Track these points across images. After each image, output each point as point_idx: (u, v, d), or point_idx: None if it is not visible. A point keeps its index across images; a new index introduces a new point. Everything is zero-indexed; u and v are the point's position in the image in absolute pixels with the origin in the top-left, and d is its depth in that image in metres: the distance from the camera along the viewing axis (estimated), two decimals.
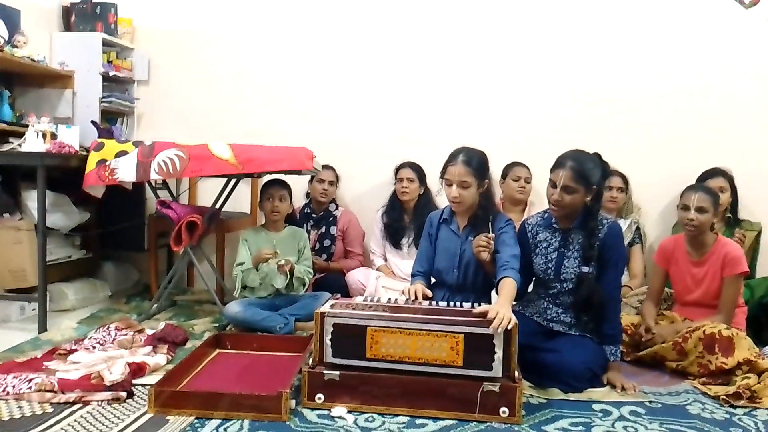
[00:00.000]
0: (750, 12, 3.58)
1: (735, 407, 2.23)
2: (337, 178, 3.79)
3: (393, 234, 3.64)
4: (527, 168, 3.60)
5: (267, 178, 3.30)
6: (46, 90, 3.65)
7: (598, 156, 2.47)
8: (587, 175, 2.37)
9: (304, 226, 3.70)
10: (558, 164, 2.43)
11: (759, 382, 2.32)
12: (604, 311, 2.43)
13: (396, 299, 2.47)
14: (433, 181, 2.75)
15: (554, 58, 3.80)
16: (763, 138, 3.63)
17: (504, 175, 3.65)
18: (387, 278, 3.52)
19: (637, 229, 3.50)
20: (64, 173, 3.29)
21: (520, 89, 3.84)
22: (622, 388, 2.35)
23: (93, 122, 3.56)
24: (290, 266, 3.04)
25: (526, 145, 3.73)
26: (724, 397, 2.27)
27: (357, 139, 3.96)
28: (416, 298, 2.42)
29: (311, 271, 3.23)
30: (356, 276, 3.50)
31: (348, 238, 3.78)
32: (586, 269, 2.44)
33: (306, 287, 3.25)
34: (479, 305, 2.25)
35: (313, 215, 3.76)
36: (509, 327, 2.04)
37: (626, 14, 3.74)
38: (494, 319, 2.04)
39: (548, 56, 3.81)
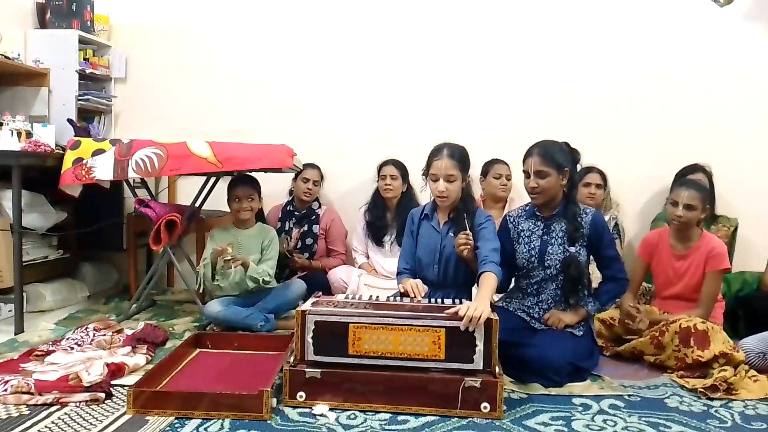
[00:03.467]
0: (726, 11, 3.64)
1: (712, 399, 2.26)
2: (322, 177, 3.78)
3: (375, 231, 3.64)
4: (507, 165, 3.62)
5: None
6: (20, 88, 3.59)
7: (566, 144, 2.57)
8: (554, 158, 2.47)
9: (287, 224, 3.69)
10: (527, 154, 2.55)
11: (735, 375, 2.36)
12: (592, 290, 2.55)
13: (378, 296, 2.47)
14: (416, 179, 2.76)
15: (534, 56, 3.83)
16: (740, 135, 3.70)
17: (485, 173, 3.66)
18: (369, 276, 3.52)
19: (616, 225, 3.54)
20: (40, 172, 3.24)
21: (501, 87, 3.86)
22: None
23: (69, 120, 3.52)
24: (242, 262, 2.96)
25: (506, 143, 3.75)
26: (702, 390, 2.30)
27: (339, 138, 3.96)
28: (416, 294, 2.40)
29: (271, 273, 3.10)
30: (338, 274, 3.50)
31: (330, 236, 3.77)
32: (573, 249, 2.49)
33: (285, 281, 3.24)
34: (460, 301, 2.26)
35: (296, 213, 3.75)
36: (480, 322, 2.05)
37: (605, 12, 3.78)
38: (465, 316, 2.05)
39: (528, 54, 3.84)
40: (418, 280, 2.50)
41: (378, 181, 3.65)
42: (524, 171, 2.54)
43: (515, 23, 3.84)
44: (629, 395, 2.29)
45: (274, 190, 3.76)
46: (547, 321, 2.53)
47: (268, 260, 3.13)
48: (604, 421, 2.06)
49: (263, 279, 3.04)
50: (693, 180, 3.02)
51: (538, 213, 2.60)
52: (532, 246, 2.58)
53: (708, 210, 2.85)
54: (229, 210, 3.90)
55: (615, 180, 3.67)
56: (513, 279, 2.74)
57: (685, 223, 2.74)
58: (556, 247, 2.53)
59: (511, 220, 2.68)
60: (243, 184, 3.12)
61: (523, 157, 2.56)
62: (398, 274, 2.71)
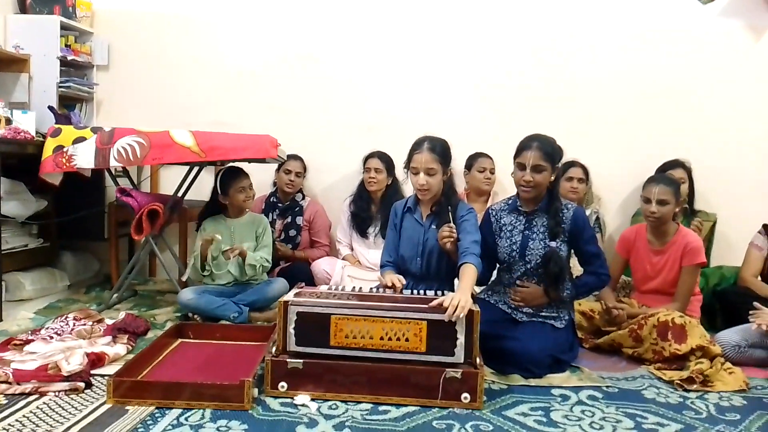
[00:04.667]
0: (704, 8, 3.69)
1: (688, 391, 2.30)
2: (305, 168, 3.76)
3: (360, 223, 3.63)
4: (491, 159, 3.63)
5: (219, 169, 3.27)
6: (0, 74, 3.53)
7: (553, 139, 2.59)
8: (553, 154, 2.49)
9: (270, 215, 3.67)
10: (524, 147, 2.52)
11: (711, 367, 2.40)
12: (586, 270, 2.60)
13: (361, 288, 2.48)
14: (401, 171, 2.77)
15: (518, 51, 3.85)
16: (719, 131, 3.76)
17: (468, 167, 3.67)
18: (353, 267, 3.52)
19: (597, 219, 3.58)
20: (19, 160, 3.19)
21: (485, 81, 3.88)
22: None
23: (50, 108, 3.47)
24: (239, 252, 2.99)
25: (490, 136, 3.77)
26: (678, 382, 2.34)
27: (324, 130, 3.94)
28: (394, 287, 2.43)
29: (268, 259, 3.16)
30: (322, 265, 3.50)
31: (314, 228, 3.76)
32: (553, 244, 2.50)
33: (268, 274, 3.24)
34: (443, 293, 2.28)
35: (279, 204, 3.74)
36: (462, 315, 2.06)
37: (588, 9, 3.80)
38: (449, 306, 2.07)
39: (512, 49, 3.86)
40: (399, 276, 2.51)
41: (363, 174, 3.64)
42: (519, 163, 2.52)
43: (499, 19, 3.85)
44: (607, 386, 2.32)
45: (258, 181, 3.72)
46: (518, 299, 2.56)
47: (264, 247, 3.16)
48: (582, 411, 2.09)
49: (262, 265, 3.09)
50: (663, 175, 3.05)
51: (520, 207, 2.62)
52: (514, 240, 2.59)
53: (681, 203, 2.89)
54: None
55: (596, 174, 3.70)
56: (494, 272, 2.75)
57: (659, 218, 2.78)
58: (537, 242, 2.55)
59: (494, 213, 2.69)
60: (244, 174, 3.12)
61: (517, 149, 2.54)
62: (381, 266, 2.72)
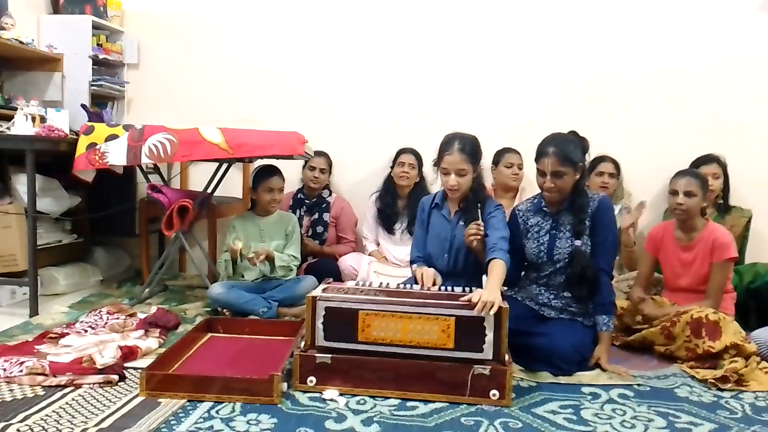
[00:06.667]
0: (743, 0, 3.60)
1: (722, 390, 2.26)
2: (330, 165, 3.77)
3: (386, 219, 3.63)
4: (519, 154, 3.60)
5: (258, 164, 3.30)
6: (34, 73, 3.61)
7: (574, 134, 2.54)
8: (571, 157, 2.43)
9: (297, 212, 3.69)
10: (541, 153, 2.48)
11: (746, 366, 2.35)
12: (596, 283, 2.46)
13: (387, 284, 2.48)
14: (428, 169, 2.75)
15: (546, 45, 3.80)
16: (754, 126, 3.66)
17: (496, 162, 3.64)
18: (379, 263, 3.52)
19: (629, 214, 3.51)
20: (53, 157, 3.27)
21: (512, 76, 3.83)
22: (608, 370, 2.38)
23: (83, 106, 3.53)
24: (264, 256, 3.01)
25: (518, 132, 3.73)
26: (712, 381, 2.30)
27: (350, 126, 3.95)
28: (429, 283, 2.43)
29: (297, 257, 3.20)
30: (348, 261, 3.50)
31: (341, 224, 3.77)
32: (578, 243, 2.47)
33: (296, 272, 3.26)
34: (470, 290, 2.27)
35: (306, 201, 3.75)
36: (492, 312, 2.05)
37: (618, 2, 3.73)
38: (478, 302, 2.06)
39: (540, 43, 3.80)
40: (432, 270, 2.50)
41: (393, 168, 3.62)
42: (539, 169, 2.50)
43: (527, 11, 3.80)
44: (639, 385, 2.29)
45: (286, 177, 3.76)
46: (597, 355, 2.45)
47: (293, 245, 3.20)
48: (613, 410, 2.06)
49: (291, 264, 3.15)
50: (690, 169, 2.99)
51: (545, 208, 2.59)
52: (541, 241, 2.56)
53: (709, 198, 2.83)
54: (239, 197, 3.95)
55: (628, 170, 3.63)
56: (522, 272, 2.73)
57: (686, 210, 2.72)
58: (564, 240, 2.52)
59: (521, 214, 2.66)
60: (277, 175, 3.14)
61: (536, 155, 2.51)
62: (412, 262, 2.72)
